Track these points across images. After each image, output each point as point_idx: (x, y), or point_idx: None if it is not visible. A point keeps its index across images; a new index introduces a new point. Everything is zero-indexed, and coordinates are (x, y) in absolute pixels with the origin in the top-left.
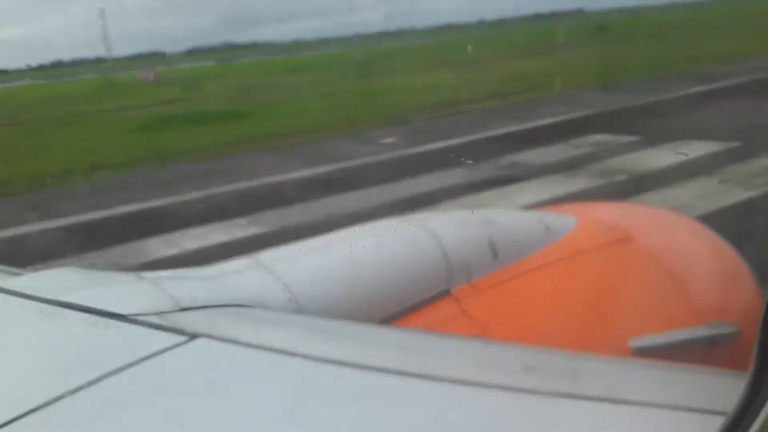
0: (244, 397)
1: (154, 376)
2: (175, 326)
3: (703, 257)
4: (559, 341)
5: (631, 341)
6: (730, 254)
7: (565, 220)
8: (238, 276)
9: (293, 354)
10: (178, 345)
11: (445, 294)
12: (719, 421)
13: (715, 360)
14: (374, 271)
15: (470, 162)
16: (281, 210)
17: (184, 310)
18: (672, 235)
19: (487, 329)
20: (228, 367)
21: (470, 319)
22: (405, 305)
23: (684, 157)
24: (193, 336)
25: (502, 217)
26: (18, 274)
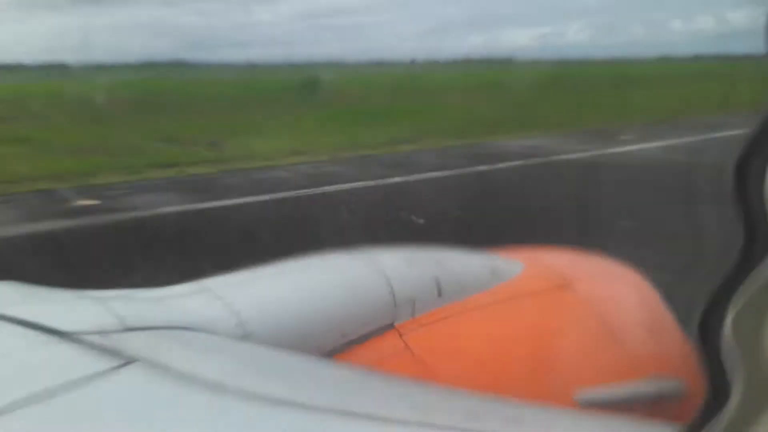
0: (173, 428)
1: (88, 397)
2: (114, 347)
3: (638, 308)
4: (500, 385)
5: (577, 393)
6: (658, 305)
7: (512, 263)
8: (186, 300)
9: (226, 388)
10: (113, 369)
11: (389, 327)
12: None
13: (660, 413)
14: (322, 302)
15: None
16: None
17: (125, 331)
18: (610, 285)
19: (429, 366)
20: (161, 395)
21: (412, 355)
22: (350, 337)
23: None
24: (130, 360)
25: (449, 257)
26: None
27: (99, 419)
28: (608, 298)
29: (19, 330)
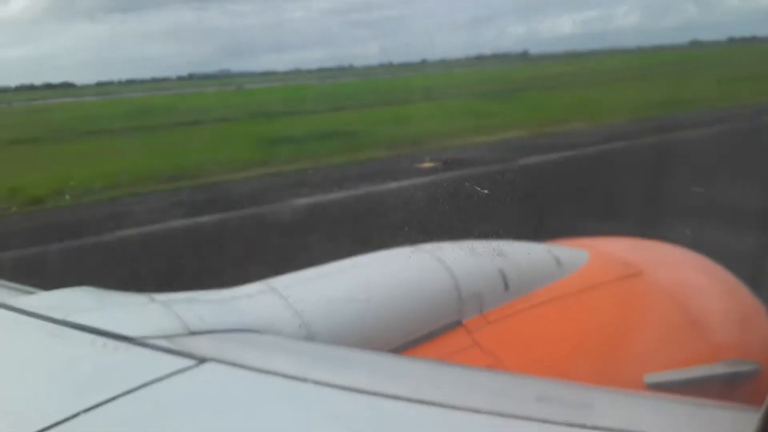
0: (254, 423)
1: (163, 399)
2: (183, 350)
3: (716, 295)
4: (572, 375)
5: (647, 376)
6: (743, 292)
7: (577, 253)
8: (249, 301)
9: (303, 380)
10: (187, 369)
11: (456, 325)
12: None
13: (733, 397)
14: (386, 300)
15: None
16: None
17: (193, 333)
18: (684, 272)
19: (499, 361)
20: (237, 392)
21: (481, 350)
22: (416, 335)
23: None
24: (201, 360)
25: (513, 248)
26: (31, 293)
27: (181, 415)
28: (682, 284)
29: (89, 337)
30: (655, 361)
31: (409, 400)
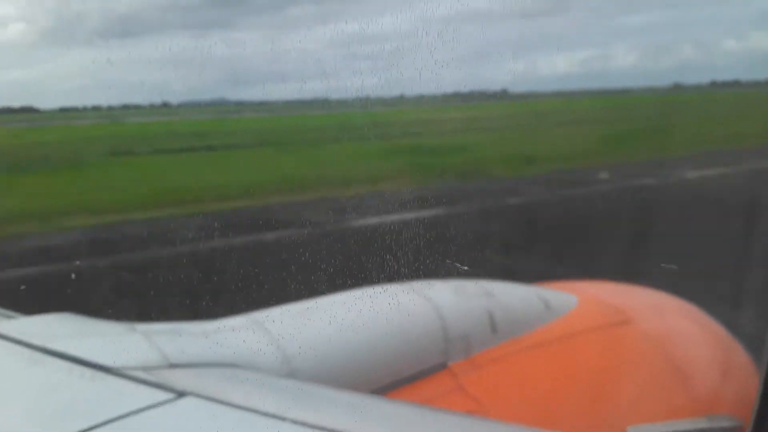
0: None
1: (141, 430)
2: (162, 382)
3: (704, 346)
4: (556, 423)
5: (630, 429)
6: (731, 343)
7: (566, 298)
8: (232, 334)
9: (282, 419)
10: (165, 402)
11: (441, 367)
12: None
13: None
14: (371, 338)
15: None
16: None
17: (172, 366)
18: (672, 321)
19: (482, 406)
20: (215, 428)
21: (466, 395)
22: (400, 376)
23: None
24: (180, 394)
25: (502, 289)
26: (12, 317)
27: None
28: (671, 334)
29: (67, 365)
30: (639, 413)
31: None
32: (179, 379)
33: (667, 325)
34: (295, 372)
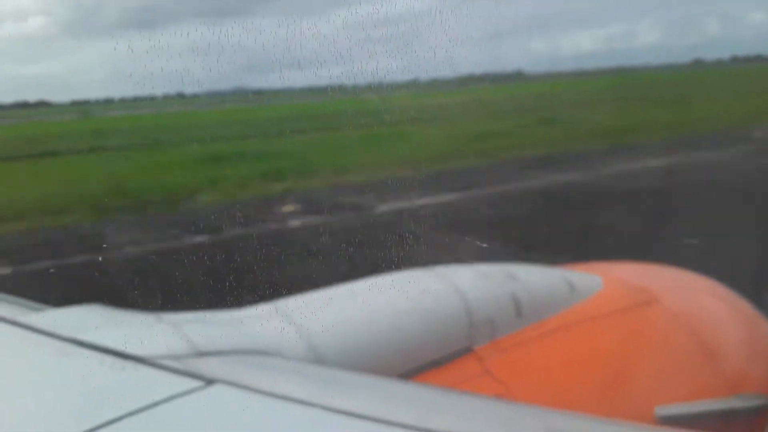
0: None
1: (170, 420)
2: (191, 371)
3: (731, 323)
4: (582, 405)
5: (658, 409)
6: (760, 321)
7: (591, 279)
8: (258, 322)
9: (311, 404)
10: (195, 390)
11: (467, 351)
12: None
13: (743, 430)
14: (396, 324)
15: None
16: None
17: (200, 354)
18: (700, 300)
19: (508, 389)
20: (244, 415)
21: (492, 378)
22: (426, 360)
23: None
24: (210, 381)
25: (526, 273)
26: (40, 310)
27: None
28: (700, 313)
29: (97, 355)
30: (667, 393)
31: (416, 428)
32: (208, 367)
33: (694, 304)
34: (321, 358)
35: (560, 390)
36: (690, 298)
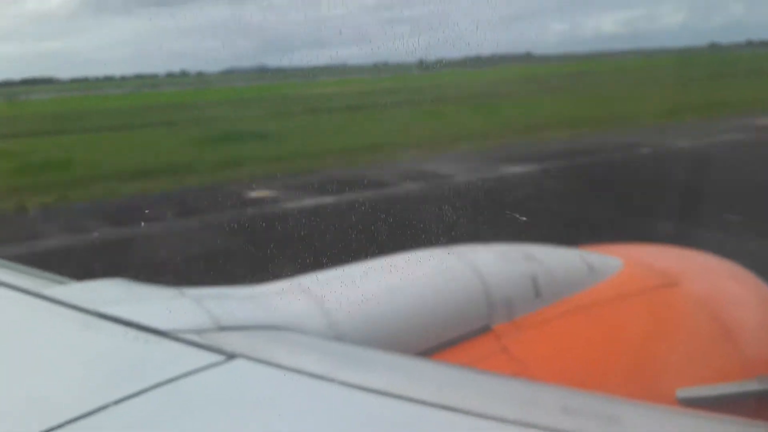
0: (282, 420)
1: (193, 393)
2: (213, 345)
3: (753, 307)
4: (601, 385)
5: (679, 391)
6: None
7: (611, 261)
8: (279, 298)
9: (331, 380)
10: (217, 364)
11: (485, 330)
12: None
13: (766, 414)
14: (414, 302)
15: None
16: None
17: (222, 329)
18: (720, 283)
19: (526, 368)
20: (266, 389)
21: (510, 357)
22: (444, 338)
23: None
24: (231, 356)
25: (545, 253)
26: (63, 283)
27: (211, 410)
28: (721, 296)
29: (121, 329)
30: (688, 375)
31: (435, 405)
32: (229, 341)
33: (715, 287)
34: (341, 335)
35: (578, 370)
36: (711, 280)
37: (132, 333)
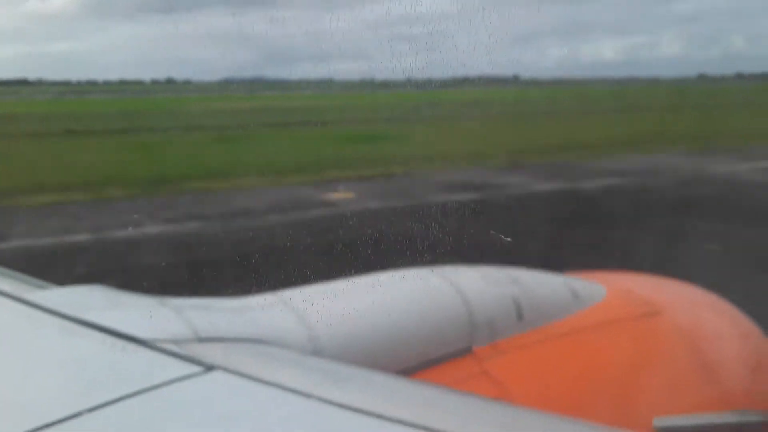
0: None
1: (170, 403)
2: (192, 356)
3: (732, 339)
4: (581, 412)
5: (656, 420)
6: (759, 338)
7: (594, 288)
8: (260, 311)
9: (310, 396)
10: (194, 375)
11: (466, 351)
12: None
13: None
14: (396, 320)
15: None
16: None
17: (202, 340)
18: (703, 314)
19: (507, 392)
20: (243, 402)
21: (490, 380)
22: (425, 358)
23: None
24: (209, 367)
25: (529, 277)
26: (44, 287)
27: (187, 421)
28: (702, 328)
29: (100, 336)
30: (667, 405)
31: (414, 425)
32: (208, 352)
33: (697, 318)
34: (322, 351)
35: (558, 395)
36: (693, 311)
37: (111, 340)
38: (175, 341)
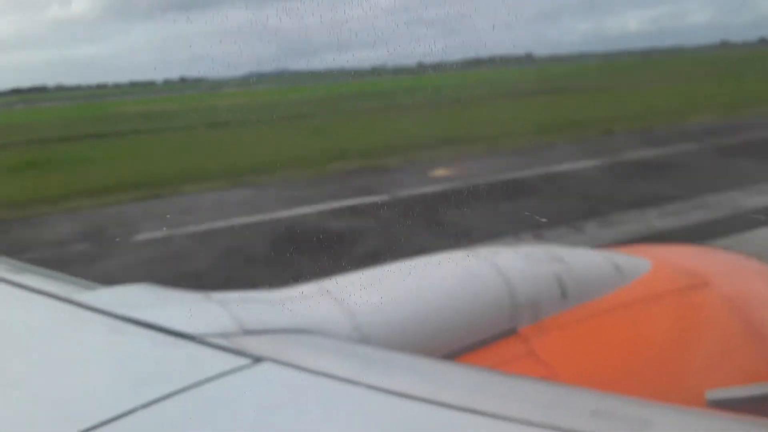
0: (308, 423)
1: (220, 397)
2: (239, 349)
3: None
4: (629, 388)
5: (708, 393)
6: None
7: (638, 262)
8: (303, 302)
9: (357, 383)
10: (243, 368)
11: (511, 332)
12: None
13: None
14: (439, 304)
15: None
16: None
17: (248, 333)
18: (751, 283)
19: (554, 371)
20: (292, 393)
21: (536, 360)
22: (469, 341)
23: None
24: (257, 359)
25: (571, 255)
26: (92, 288)
27: (238, 414)
28: (751, 296)
29: (149, 333)
30: (717, 377)
31: (461, 408)
32: (255, 345)
33: (746, 287)
34: (366, 338)
35: (606, 373)
36: (741, 281)
37: (159, 337)
38: (223, 335)
